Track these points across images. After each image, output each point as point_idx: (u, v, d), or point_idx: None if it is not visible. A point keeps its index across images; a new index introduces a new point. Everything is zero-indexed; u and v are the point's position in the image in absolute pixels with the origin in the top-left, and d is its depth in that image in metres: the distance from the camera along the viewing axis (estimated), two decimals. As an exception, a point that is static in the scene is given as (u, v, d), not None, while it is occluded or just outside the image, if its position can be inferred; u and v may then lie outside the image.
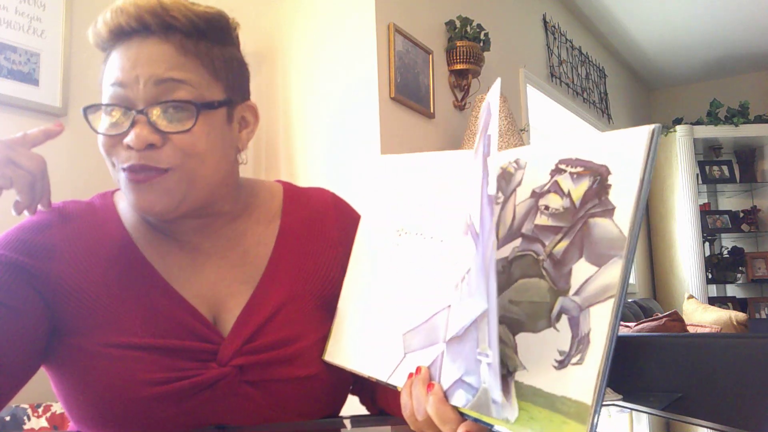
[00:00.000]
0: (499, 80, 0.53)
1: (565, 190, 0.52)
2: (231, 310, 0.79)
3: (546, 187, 0.54)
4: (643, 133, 0.48)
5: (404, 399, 0.60)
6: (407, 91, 2.30)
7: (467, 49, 2.58)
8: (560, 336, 0.49)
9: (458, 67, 2.60)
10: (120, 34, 0.73)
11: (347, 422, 0.83)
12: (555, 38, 3.80)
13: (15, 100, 1.79)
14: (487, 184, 0.49)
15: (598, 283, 0.47)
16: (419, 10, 2.47)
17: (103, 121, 0.73)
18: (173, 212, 0.74)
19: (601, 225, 0.48)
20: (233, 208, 0.82)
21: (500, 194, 0.58)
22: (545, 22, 3.72)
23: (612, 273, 0.46)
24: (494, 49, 2.86)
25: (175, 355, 0.74)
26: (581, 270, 0.49)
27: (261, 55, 2.45)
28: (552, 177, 0.53)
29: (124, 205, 0.83)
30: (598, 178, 0.50)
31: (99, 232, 0.79)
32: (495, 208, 0.55)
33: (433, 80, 2.45)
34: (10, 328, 0.71)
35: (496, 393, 0.47)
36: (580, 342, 0.47)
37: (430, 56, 2.46)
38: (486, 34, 2.69)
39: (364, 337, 0.72)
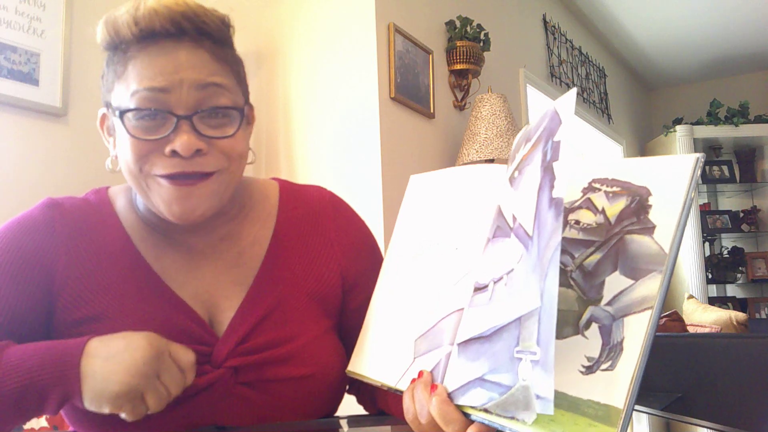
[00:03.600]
0: (574, 90, 0.54)
1: (599, 207, 0.55)
2: (225, 312, 0.79)
3: (577, 203, 0.57)
4: (688, 160, 0.51)
5: (407, 403, 0.60)
6: (407, 91, 2.30)
7: (467, 49, 2.58)
8: (588, 343, 0.51)
9: (458, 67, 2.60)
10: (148, 36, 0.71)
11: (345, 422, 0.83)
12: (555, 38, 3.80)
13: (15, 100, 1.79)
14: (552, 188, 0.52)
15: (634, 295, 0.50)
16: (419, 10, 2.47)
17: (131, 125, 0.71)
18: (211, 213, 0.75)
19: (638, 241, 0.51)
20: (230, 209, 0.82)
21: None
22: (545, 22, 3.72)
23: (650, 286, 0.49)
24: (494, 49, 2.86)
25: None
26: (615, 282, 0.51)
27: (261, 55, 2.45)
28: (584, 194, 0.57)
29: (121, 202, 0.82)
30: (638, 198, 0.53)
31: (98, 232, 0.79)
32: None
33: (433, 80, 2.45)
34: (9, 326, 0.72)
35: (546, 389, 0.48)
36: (611, 350, 0.49)
37: (430, 56, 2.46)
38: (486, 34, 2.69)
39: (381, 347, 0.73)
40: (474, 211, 0.67)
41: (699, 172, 0.50)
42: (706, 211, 4.96)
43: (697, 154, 0.51)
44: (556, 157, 0.52)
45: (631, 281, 0.50)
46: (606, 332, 0.50)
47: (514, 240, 0.55)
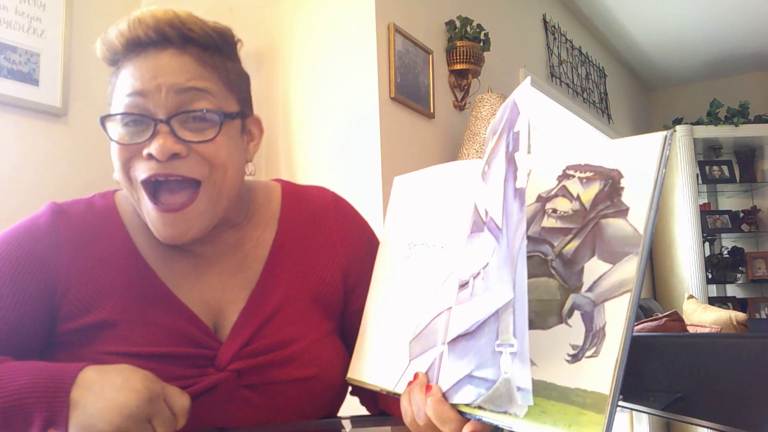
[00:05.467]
0: (528, 79, 0.54)
1: (574, 194, 0.55)
2: (229, 316, 0.79)
3: (553, 192, 0.56)
4: (656, 138, 0.51)
5: (404, 406, 0.61)
6: (407, 91, 2.30)
7: (467, 49, 2.58)
8: (573, 331, 0.50)
9: (458, 67, 2.60)
10: (136, 46, 0.73)
11: (347, 423, 0.83)
12: (555, 38, 3.80)
13: (15, 100, 1.79)
14: (515, 179, 0.52)
15: (612, 279, 0.49)
16: (419, 10, 2.47)
17: (117, 132, 0.72)
18: (205, 232, 0.75)
19: (614, 225, 0.51)
20: (236, 217, 0.82)
21: None
22: (545, 22, 3.72)
23: (627, 269, 0.49)
24: (494, 49, 2.86)
25: (173, 362, 0.73)
26: (594, 268, 0.51)
27: (261, 55, 2.45)
28: (559, 182, 0.56)
29: (129, 209, 0.82)
30: (610, 181, 0.52)
31: (102, 239, 0.78)
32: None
33: (433, 80, 2.45)
34: (9, 335, 0.72)
35: (524, 380, 0.48)
36: (594, 336, 0.49)
37: (430, 56, 2.46)
38: (486, 34, 2.69)
39: (377, 351, 0.73)
40: (457, 209, 0.67)
41: (668, 150, 0.50)
42: (706, 211, 4.96)
43: (665, 132, 0.50)
44: (517, 148, 0.53)
45: (609, 265, 0.50)
46: (588, 319, 0.50)
47: (487, 234, 0.56)
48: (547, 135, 4.02)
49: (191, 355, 0.75)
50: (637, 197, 0.50)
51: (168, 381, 0.72)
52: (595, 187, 0.53)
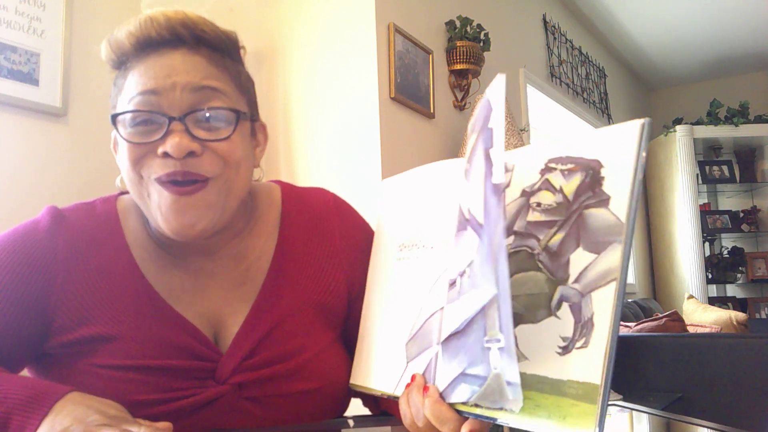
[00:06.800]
0: (499, 76, 0.54)
1: (557, 187, 0.55)
2: (230, 328, 0.77)
3: (536, 186, 0.57)
4: (633, 126, 0.50)
5: (403, 408, 0.60)
6: (407, 91, 2.30)
7: (467, 49, 2.58)
8: (562, 323, 0.51)
9: (458, 67, 2.60)
10: (146, 45, 0.72)
11: (350, 422, 0.83)
12: (555, 38, 3.80)
13: (15, 100, 1.79)
14: (492, 175, 0.52)
15: (598, 268, 0.49)
16: (419, 10, 2.47)
17: (127, 131, 0.71)
18: (213, 229, 0.73)
19: (596, 215, 0.51)
20: (237, 222, 0.80)
21: None
22: (545, 22, 3.72)
23: (612, 258, 0.49)
24: (494, 49, 2.86)
25: (172, 375, 0.72)
26: (579, 259, 0.51)
27: (261, 55, 2.45)
28: (542, 176, 0.56)
29: (132, 218, 0.80)
30: (590, 171, 0.52)
31: (101, 249, 0.77)
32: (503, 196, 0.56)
33: (433, 80, 2.45)
34: (6, 330, 0.72)
35: (512, 374, 0.48)
36: (583, 326, 0.49)
37: (430, 56, 2.46)
38: (486, 34, 2.69)
39: (376, 355, 0.72)
40: (444, 208, 0.67)
41: (646, 138, 0.50)
42: (706, 211, 4.96)
43: (643, 120, 0.50)
44: (491, 144, 0.53)
45: (594, 255, 0.50)
46: (576, 310, 0.50)
47: (471, 231, 0.56)
48: (548, 134, 4.02)
49: (190, 368, 0.73)
50: (617, 186, 0.50)
51: (166, 393, 0.71)
52: (577, 179, 0.53)
